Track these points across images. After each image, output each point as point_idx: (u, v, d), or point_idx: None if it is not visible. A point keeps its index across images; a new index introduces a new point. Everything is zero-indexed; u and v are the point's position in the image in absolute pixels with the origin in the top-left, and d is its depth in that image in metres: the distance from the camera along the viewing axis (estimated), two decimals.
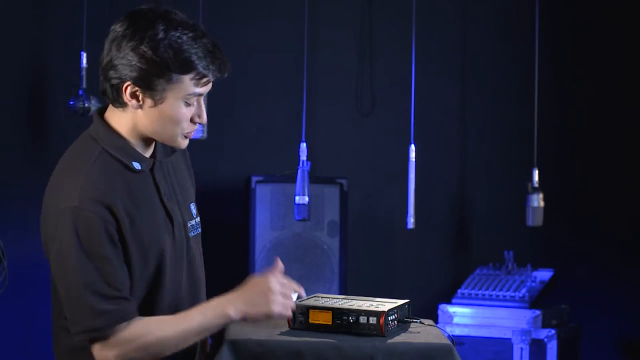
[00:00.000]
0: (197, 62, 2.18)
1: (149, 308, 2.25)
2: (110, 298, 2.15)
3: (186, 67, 2.17)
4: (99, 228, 2.14)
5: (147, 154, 2.30)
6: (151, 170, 2.29)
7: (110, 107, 2.27)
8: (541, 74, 4.71)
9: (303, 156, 4.33)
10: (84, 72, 4.39)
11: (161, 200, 2.29)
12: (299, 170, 4.29)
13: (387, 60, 5.20)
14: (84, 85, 4.38)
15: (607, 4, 5.12)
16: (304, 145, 4.36)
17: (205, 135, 4.28)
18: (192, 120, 2.25)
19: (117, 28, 2.20)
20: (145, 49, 2.16)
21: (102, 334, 2.16)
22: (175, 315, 2.21)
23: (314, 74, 4.99)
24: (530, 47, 4.72)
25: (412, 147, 4.47)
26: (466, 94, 5.22)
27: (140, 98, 2.20)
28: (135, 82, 2.18)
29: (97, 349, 2.18)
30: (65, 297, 2.18)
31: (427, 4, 4.96)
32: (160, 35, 2.17)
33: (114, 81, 2.19)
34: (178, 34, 2.17)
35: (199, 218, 2.42)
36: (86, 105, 4.35)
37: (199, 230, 2.41)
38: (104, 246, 2.15)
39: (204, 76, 2.20)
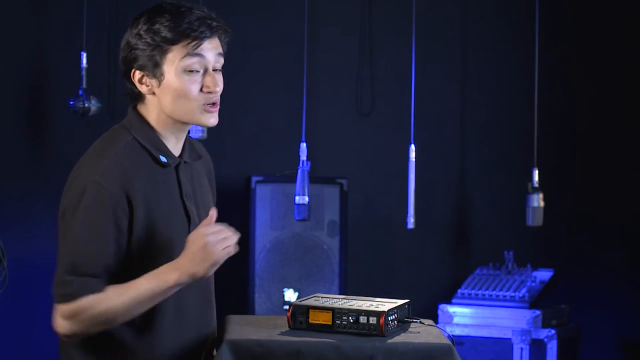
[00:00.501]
0: (181, 27, 2.23)
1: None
2: (80, 273, 2.19)
3: (172, 35, 2.23)
4: (107, 205, 2.20)
5: (176, 151, 2.35)
6: (176, 167, 2.33)
7: (143, 108, 2.34)
8: (541, 73, 4.71)
9: (303, 156, 4.33)
10: (84, 72, 4.39)
11: (181, 198, 2.32)
12: (299, 170, 4.29)
13: (387, 60, 5.20)
14: (84, 85, 4.38)
15: (607, 4, 5.12)
16: (304, 145, 4.35)
17: (205, 135, 4.28)
18: (204, 91, 2.27)
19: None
20: (138, 33, 2.26)
21: (60, 303, 2.20)
22: (124, 285, 2.22)
23: (314, 73, 4.99)
24: (530, 47, 4.72)
25: (412, 147, 4.47)
26: (466, 94, 5.22)
27: (147, 82, 2.27)
28: (138, 67, 2.27)
29: (57, 317, 2.22)
30: (57, 263, 2.25)
31: (427, 4, 4.96)
32: (152, 15, 2.26)
33: (125, 73, 2.30)
34: (168, 13, 2.25)
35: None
36: (86, 105, 4.35)
37: None
38: (104, 224, 2.20)
39: (193, 39, 2.23)
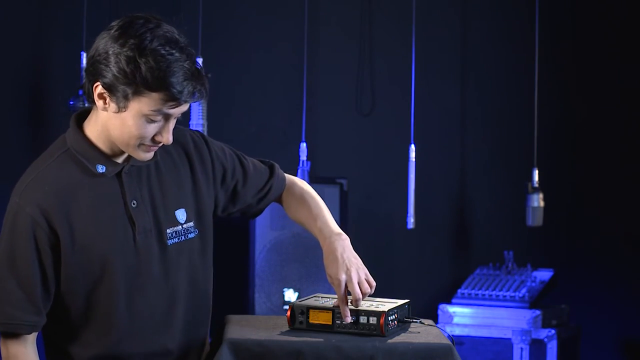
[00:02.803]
0: (169, 83, 2.11)
1: (106, 311, 2.26)
2: (14, 305, 2.20)
3: (156, 85, 2.11)
4: (28, 230, 2.19)
5: (120, 158, 2.26)
6: (119, 174, 2.26)
7: (88, 118, 2.28)
8: (541, 73, 4.71)
9: (303, 156, 4.33)
10: (84, 72, 4.39)
11: (125, 205, 2.26)
12: (299, 170, 4.29)
13: (387, 60, 5.20)
14: None
15: (607, 4, 5.12)
16: (304, 145, 4.36)
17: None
18: (153, 139, 2.19)
19: (112, 27, 2.18)
20: (123, 56, 2.12)
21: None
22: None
23: (314, 73, 4.99)
24: (530, 47, 4.72)
25: (412, 147, 4.47)
26: (466, 94, 5.22)
27: (106, 101, 2.17)
28: (104, 84, 2.15)
29: None
30: None
31: (427, 4, 4.96)
32: (143, 46, 2.12)
33: (90, 78, 2.19)
34: (161, 51, 2.11)
35: (192, 223, 2.35)
36: (86, 105, 4.34)
37: (190, 236, 2.34)
38: (28, 248, 2.20)
39: (173, 99, 2.13)
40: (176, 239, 2.32)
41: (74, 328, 2.27)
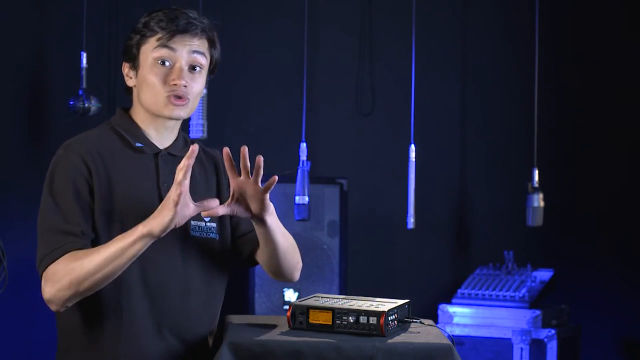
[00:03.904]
0: (153, 21, 2.34)
1: (117, 285, 2.28)
2: (60, 232, 2.24)
3: (146, 28, 2.34)
4: (67, 171, 2.28)
5: (158, 143, 2.39)
6: (156, 156, 2.37)
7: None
8: (541, 73, 4.71)
9: (303, 156, 4.33)
10: (84, 72, 4.39)
11: (157, 184, 2.35)
12: (299, 170, 4.29)
13: (387, 60, 5.20)
14: (84, 85, 4.38)
15: (607, 4, 5.12)
16: (304, 145, 4.36)
17: (205, 135, 4.28)
18: (170, 83, 2.33)
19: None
20: (130, 30, 2.39)
21: (45, 263, 2.23)
22: (97, 247, 2.24)
23: (314, 73, 4.99)
24: (530, 47, 4.72)
25: (412, 147, 4.47)
26: (466, 94, 5.22)
27: (130, 74, 2.39)
28: (125, 59, 2.39)
29: (42, 284, 2.24)
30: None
31: (427, 4, 4.96)
32: (148, 15, 2.38)
33: (121, 69, 2.41)
34: (162, 12, 2.36)
35: (214, 225, 2.42)
36: (86, 105, 4.35)
37: (211, 235, 2.42)
38: (69, 190, 2.26)
39: (164, 30, 2.32)
40: (198, 233, 2.39)
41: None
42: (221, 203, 2.32)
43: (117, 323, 2.29)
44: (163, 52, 2.33)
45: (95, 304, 2.28)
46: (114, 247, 2.20)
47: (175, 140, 2.42)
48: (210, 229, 2.42)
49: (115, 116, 2.43)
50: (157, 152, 2.38)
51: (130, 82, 2.39)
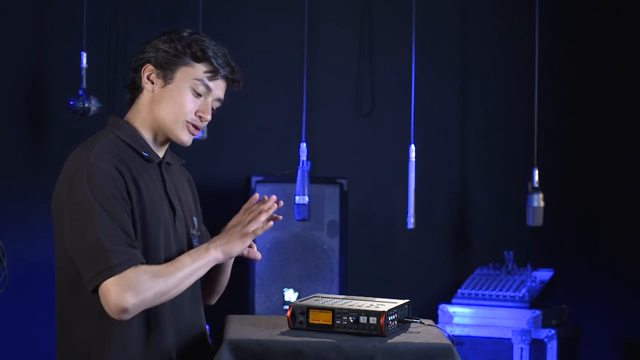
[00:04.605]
0: (211, 56, 2.40)
1: None
2: (124, 243, 2.23)
3: (201, 56, 2.39)
4: (108, 180, 2.27)
5: (160, 153, 2.45)
6: (159, 164, 2.43)
7: (128, 113, 2.45)
8: (541, 73, 4.71)
9: (303, 156, 4.33)
10: (84, 72, 4.39)
11: (166, 192, 2.41)
12: (299, 170, 4.29)
13: (387, 60, 5.20)
14: (84, 85, 4.38)
15: (607, 4, 5.12)
16: (304, 145, 4.35)
17: (205, 135, 4.28)
18: (196, 114, 2.39)
19: (155, 38, 2.46)
20: (170, 39, 2.41)
21: (117, 271, 2.20)
22: (168, 265, 2.29)
23: (314, 73, 4.99)
24: (530, 47, 4.72)
25: (412, 147, 4.47)
26: (466, 94, 5.22)
27: (154, 79, 2.40)
28: (154, 63, 2.40)
29: (112, 291, 2.21)
30: (81, 249, 2.24)
31: (427, 4, 4.96)
32: (185, 34, 2.43)
33: (137, 63, 2.42)
34: (201, 37, 2.43)
35: (200, 233, 2.53)
36: (86, 105, 4.35)
37: (197, 243, 2.50)
38: (114, 196, 2.26)
39: (215, 71, 2.40)
40: (195, 240, 2.49)
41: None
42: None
43: (145, 328, 2.32)
44: (203, 87, 2.40)
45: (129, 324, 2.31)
46: (188, 267, 2.29)
47: (165, 153, 2.49)
48: (198, 237, 2.53)
49: (115, 125, 2.42)
50: (159, 161, 2.44)
51: (148, 87, 2.41)
